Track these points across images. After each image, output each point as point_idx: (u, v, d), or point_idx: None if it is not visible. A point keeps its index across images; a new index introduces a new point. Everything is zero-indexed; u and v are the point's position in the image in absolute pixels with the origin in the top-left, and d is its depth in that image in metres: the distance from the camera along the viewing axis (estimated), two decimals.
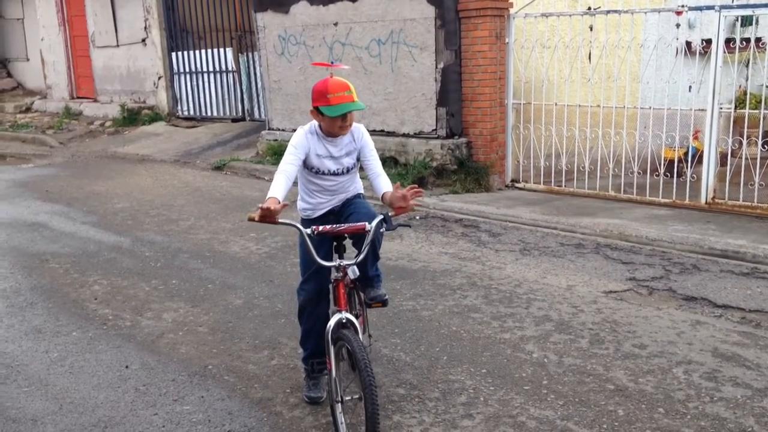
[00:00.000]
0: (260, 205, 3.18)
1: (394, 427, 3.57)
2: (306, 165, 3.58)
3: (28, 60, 18.59)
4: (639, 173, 8.00)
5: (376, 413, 3.08)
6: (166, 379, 4.14)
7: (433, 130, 8.90)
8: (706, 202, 7.52)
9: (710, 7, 7.38)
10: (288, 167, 3.46)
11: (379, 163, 3.68)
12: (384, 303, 3.66)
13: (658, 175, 7.88)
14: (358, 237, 3.54)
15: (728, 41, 7.36)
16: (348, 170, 3.65)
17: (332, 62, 3.60)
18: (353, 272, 3.35)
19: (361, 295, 3.71)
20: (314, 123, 3.58)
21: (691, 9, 7.74)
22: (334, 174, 3.63)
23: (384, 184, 3.56)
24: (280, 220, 3.23)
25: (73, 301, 5.41)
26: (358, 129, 3.63)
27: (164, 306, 5.29)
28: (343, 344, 3.29)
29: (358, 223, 3.40)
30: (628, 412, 3.64)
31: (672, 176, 7.77)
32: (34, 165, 11.85)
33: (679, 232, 6.56)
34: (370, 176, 3.63)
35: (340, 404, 3.38)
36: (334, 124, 3.46)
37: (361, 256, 3.37)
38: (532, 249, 6.42)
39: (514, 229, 7.08)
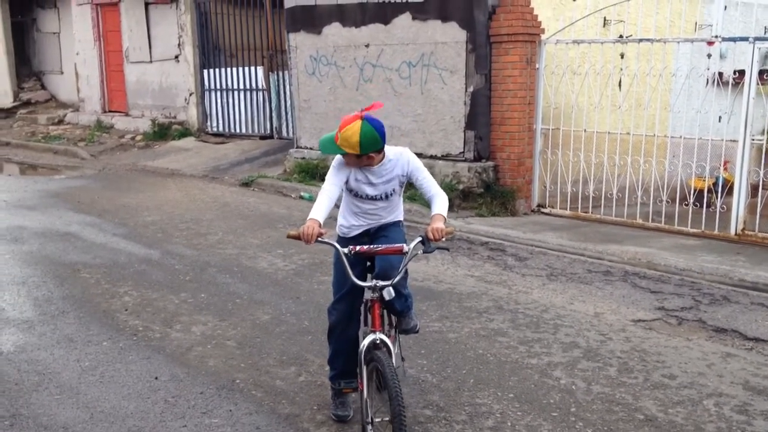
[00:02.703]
0: (303, 228, 3.27)
1: None
2: (347, 187, 3.61)
3: (62, 73, 18.98)
4: (667, 202, 7.96)
5: None
6: (194, 392, 4.18)
7: (460, 152, 8.94)
8: (735, 234, 7.46)
9: (744, 38, 7.38)
10: (331, 188, 3.50)
11: (434, 183, 3.61)
12: (416, 332, 3.75)
13: (686, 205, 7.84)
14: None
15: (761, 73, 7.35)
16: (387, 196, 3.63)
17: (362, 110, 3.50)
18: (389, 293, 3.36)
19: (392, 316, 3.74)
20: None
21: (724, 40, 7.74)
22: (373, 199, 3.63)
23: (437, 204, 3.51)
24: (317, 239, 3.29)
25: (104, 312, 5.49)
26: (406, 156, 3.56)
27: (193, 319, 5.35)
28: (375, 365, 3.32)
29: (396, 245, 3.44)
30: None
31: (701, 206, 7.73)
32: (65, 176, 12.06)
33: (709, 263, 6.51)
34: (427, 199, 3.61)
35: (370, 425, 3.39)
36: (349, 158, 3.47)
37: (398, 277, 3.40)
38: (559, 274, 6.40)
39: (541, 254, 7.07)
